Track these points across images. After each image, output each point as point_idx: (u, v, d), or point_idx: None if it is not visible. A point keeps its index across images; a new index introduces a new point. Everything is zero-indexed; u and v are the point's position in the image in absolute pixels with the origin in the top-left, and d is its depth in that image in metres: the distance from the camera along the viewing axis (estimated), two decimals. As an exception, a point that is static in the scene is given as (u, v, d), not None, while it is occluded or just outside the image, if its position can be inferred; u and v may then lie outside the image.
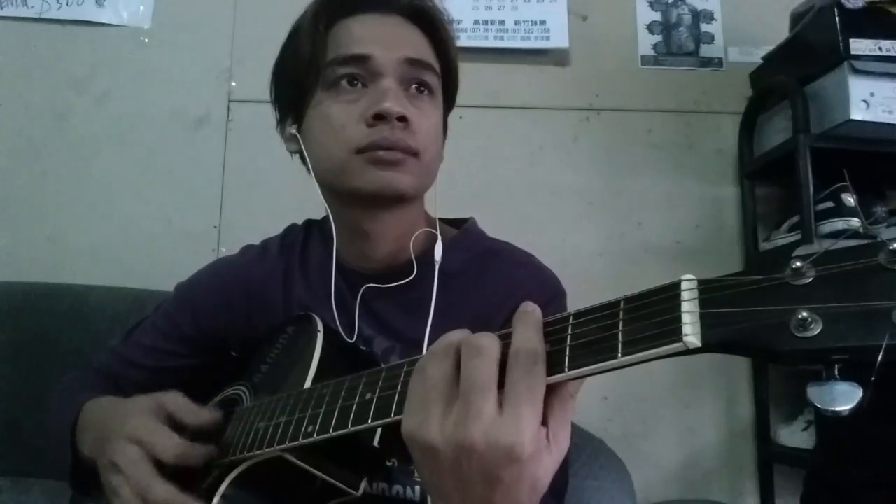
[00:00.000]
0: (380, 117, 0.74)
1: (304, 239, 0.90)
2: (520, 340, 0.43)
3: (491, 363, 0.43)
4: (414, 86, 0.79)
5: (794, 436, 1.53)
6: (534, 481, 0.43)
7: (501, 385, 0.43)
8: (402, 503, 0.78)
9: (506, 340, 0.45)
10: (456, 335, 0.47)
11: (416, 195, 0.81)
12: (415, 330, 0.79)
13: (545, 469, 0.44)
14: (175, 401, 0.69)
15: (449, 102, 0.89)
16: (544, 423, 0.44)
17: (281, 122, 0.87)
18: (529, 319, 0.45)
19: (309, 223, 0.90)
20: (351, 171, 0.76)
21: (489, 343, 0.44)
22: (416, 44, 0.80)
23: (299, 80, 0.80)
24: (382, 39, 0.78)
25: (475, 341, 0.44)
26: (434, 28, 0.82)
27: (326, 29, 0.79)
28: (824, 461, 0.85)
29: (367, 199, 0.78)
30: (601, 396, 1.62)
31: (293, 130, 0.83)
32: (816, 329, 0.33)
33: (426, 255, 0.82)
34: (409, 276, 0.80)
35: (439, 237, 0.82)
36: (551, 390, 0.44)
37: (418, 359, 0.51)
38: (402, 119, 0.74)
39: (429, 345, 0.76)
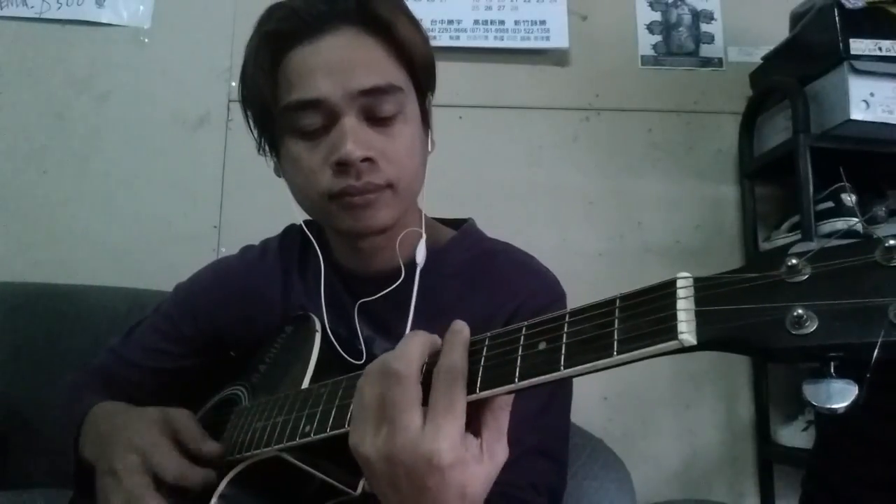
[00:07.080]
0: (343, 163, 0.71)
1: (302, 240, 0.90)
2: (443, 359, 0.47)
3: (409, 387, 0.47)
4: (378, 113, 0.74)
5: (794, 436, 1.53)
6: (461, 489, 0.46)
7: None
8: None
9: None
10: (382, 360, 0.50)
11: (399, 219, 0.78)
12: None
13: (474, 477, 0.47)
14: (182, 420, 0.69)
15: (427, 86, 0.82)
16: (478, 434, 0.48)
17: (259, 148, 0.84)
18: (457, 339, 0.48)
19: (308, 224, 0.90)
20: (328, 214, 0.76)
21: (404, 368, 0.47)
22: (369, 64, 0.74)
23: (263, 119, 0.78)
24: (332, 72, 0.72)
25: (393, 370, 0.47)
26: (388, 30, 0.75)
27: (273, 66, 0.75)
28: (822, 462, 0.85)
29: (351, 236, 0.79)
30: (601, 396, 1.61)
31: (274, 159, 0.82)
32: (812, 326, 0.33)
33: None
34: (403, 278, 0.80)
35: (423, 237, 0.82)
36: (483, 404, 0.48)
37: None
38: (367, 159, 0.72)
39: None
